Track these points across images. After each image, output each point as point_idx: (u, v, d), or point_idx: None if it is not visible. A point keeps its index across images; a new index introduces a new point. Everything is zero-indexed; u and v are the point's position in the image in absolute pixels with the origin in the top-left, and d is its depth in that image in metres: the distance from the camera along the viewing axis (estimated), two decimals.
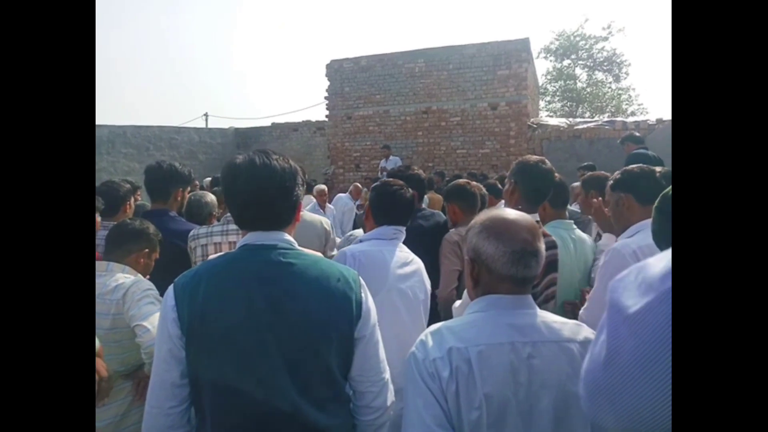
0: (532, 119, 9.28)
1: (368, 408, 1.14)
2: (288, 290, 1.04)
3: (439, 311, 1.96)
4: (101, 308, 1.55)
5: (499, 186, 4.03)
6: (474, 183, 2.58)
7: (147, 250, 1.71)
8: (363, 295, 1.12)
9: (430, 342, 0.98)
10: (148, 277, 1.74)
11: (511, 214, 1.06)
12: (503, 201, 2.05)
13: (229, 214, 2.03)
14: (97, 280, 1.59)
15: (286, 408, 1.03)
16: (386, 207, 1.76)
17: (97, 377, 1.06)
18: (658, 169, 1.72)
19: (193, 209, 2.46)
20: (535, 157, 1.84)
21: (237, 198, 1.09)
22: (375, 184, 1.92)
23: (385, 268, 1.59)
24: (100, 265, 1.62)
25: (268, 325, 1.02)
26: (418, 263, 1.74)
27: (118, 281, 1.58)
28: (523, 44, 9.03)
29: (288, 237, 1.11)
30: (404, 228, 1.78)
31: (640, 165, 1.77)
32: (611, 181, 1.76)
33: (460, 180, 2.63)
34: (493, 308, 1.01)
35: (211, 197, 2.62)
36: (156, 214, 2.16)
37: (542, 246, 1.02)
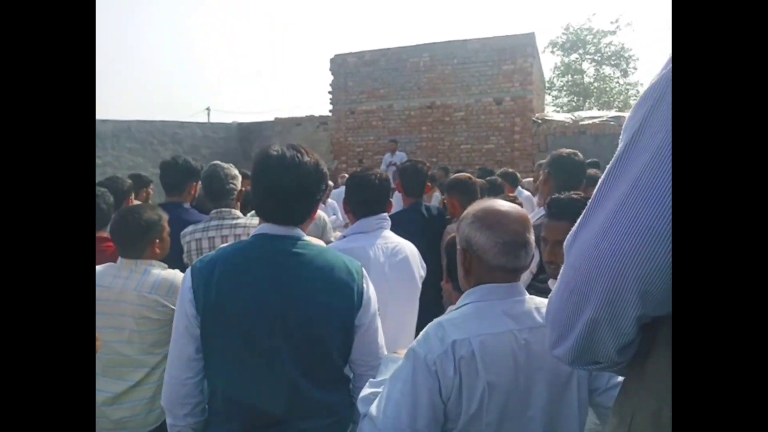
0: (537, 114, 9.23)
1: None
2: (295, 277, 1.12)
3: (443, 303, 1.97)
4: (142, 301, 1.61)
5: (500, 182, 4.07)
6: (477, 179, 2.60)
7: (157, 240, 1.73)
8: (365, 285, 1.20)
9: (433, 337, 0.99)
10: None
11: (504, 205, 1.08)
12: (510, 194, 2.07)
13: (222, 209, 2.08)
14: (131, 276, 1.64)
15: (289, 384, 1.11)
16: (360, 197, 1.75)
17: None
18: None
19: (215, 185, 2.19)
20: (568, 150, 1.98)
21: (261, 190, 1.17)
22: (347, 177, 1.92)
23: (366, 264, 1.57)
24: (128, 262, 1.68)
25: (275, 308, 1.10)
26: (407, 250, 1.73)
27: (159, 275, 1.66)
28: (529, 39, 8.96)
29: (300, 231, 1.19)
30: (386, 215, 1.77)
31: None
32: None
33: (462, 174, 2.65)
34: (488, 298, 1.04)
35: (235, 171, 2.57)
36: (172, 207, 2.30)
37: (532, 237, 1.06)
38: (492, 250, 1.02)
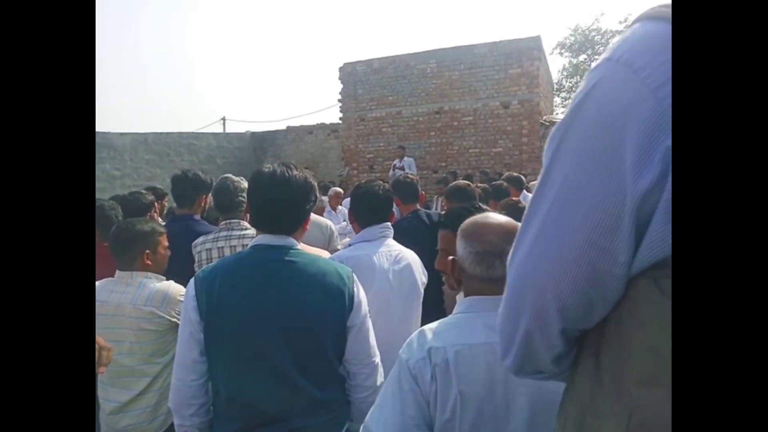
0: (545, 117, 9.25)
1: (360, 387, 1.31)
2: (290, 283, 1.21)
3: (445, 308, 2.04)
4: (138, 314, 1.66)
5: (505, 186, 4.14)
6: (474, 184, 2.69)
7: (148, 251, 1.76)
8: (355, 289, 1.29)
9: (415, 344, 1.03)
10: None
11: (490, 218, 1.11)
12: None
13: (231, 221, 2.17)
14: (127, 290, 1.69)
15: (286, 383, 1.20)
16: (364, 207, 1.85)
17: (97, 347, 1.16)
18: None
19: (225, 197, 2.35)
20: None
21: (255, 203, 1.28)
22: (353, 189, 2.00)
23: (372, 271, 1.69)
24: (124, 276, 1.73)
25: (272, 313, 1.19)
26: (408, 258, 1.82)
27: (154, 287, 1.71)
28: (535, 42, 9.01)
29: (293, 240, 1.28)
30: (389, 224, 1.86)
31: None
32: None
33: (461, 181, 2.74)
34: (471, 309, 1.06)
35: (244, 185, 2.70)
36: (183, 219, 2.41)
37: (509, 248, 1.09)
38: (468, 259, 1.06)
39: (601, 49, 20.00)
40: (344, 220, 5.60)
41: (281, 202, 1.24)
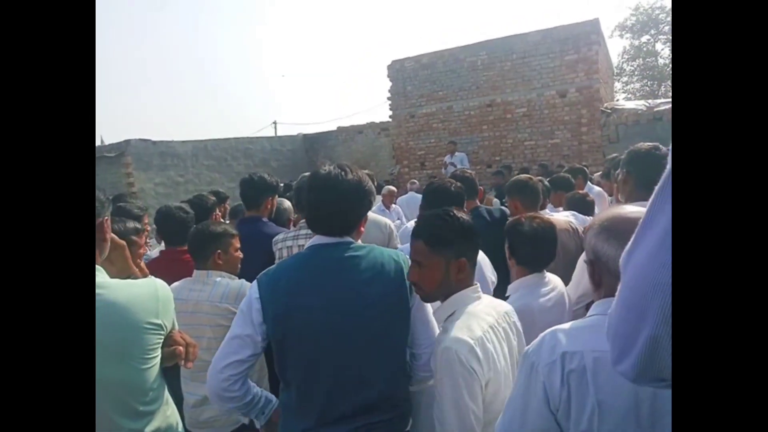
0: (605, 104, 8.77)
1: (423, 367, 1.32)
2: (351, 276, 1.24)
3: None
4: (215, 311, 1.76)
5: (572, 180, 3.89)
6: (536, 177, 2.56)
7: (219, 251, 1.85)
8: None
9: (545, 346, 0.97)
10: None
11: (628, 212, 1.03)
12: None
13: (303, 220, 2.19)
14: (203, 288, 1.80)
15: (359, 379, 1.23)
16: (437, 204, 1.79)
17: (184, 343, 1.23)
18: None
19: (274, 215, 2.67)
20: (647, 144, 1.77)
21: (310, 205, 1.30)
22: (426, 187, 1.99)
23: None
24: (201, 275, 1.84)
25: (338, 307, 1.22)
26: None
27: (228, 285, 1.81)
28: (593, 26, 8.55)
29: (347, 239, 1.29)
30: None
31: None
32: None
33: (522, 175, 2.62)
34: None
35: (287, 204, 2.86)
36: (251, 221, 2.49)
37: None
38: (618, 256, 0.96)
39: (666, 27, 18.71)
40: (398, 219, 5.58)
41: (334, 204, 1.25)
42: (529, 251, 1.68)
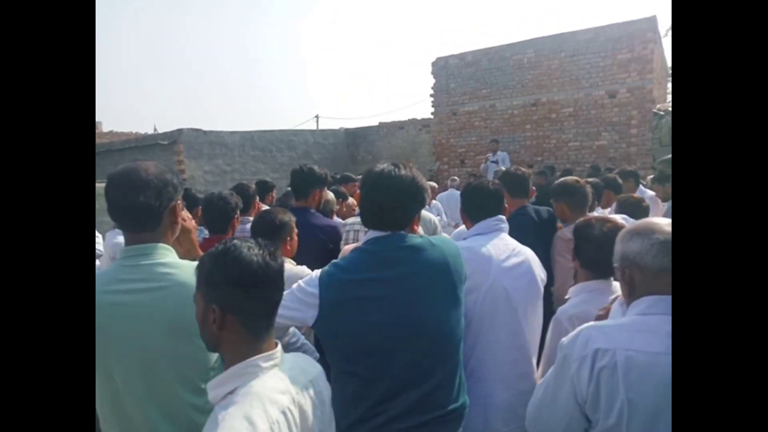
0: (658, 106, 8.40)
1: None
2: (405, 267, 1.26)
3: (554, 309, 1.96)
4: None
5: (619, 181, 3.78)
6: (584, 180, 2.52)
7: (288, 238, 1.99)
8: (462, 261, 1.38)
9: (580, 339, 0.99)
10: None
11: (658, 219, 1.05)
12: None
13: None
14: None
15: (418, 365, 1.24)
16: (477, 203, 1.81)
17: None
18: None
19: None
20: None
21: (363, 200, 1.34)
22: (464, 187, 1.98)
23: (488, 262, 1.63)
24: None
25: (396, 296, 1.23)
26: (525, 253, 1.74)
27: (291, 271, 1.88)
28: (649, 23, 8.19)
29: (401, 233, 1.31)
30: (503, 216, 1.80)
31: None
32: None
33: (569, 177, 2.58)
34: (651, 311, 0.97)
35: (330, 195, 2.95)
36: (300, 211, 2.52)
37: None
38: (650, 252, 0.97)
39: None
40: (438, 215, 5.60)
41: (386, 201, 1.28)
42: (594, 255, 1.61)
